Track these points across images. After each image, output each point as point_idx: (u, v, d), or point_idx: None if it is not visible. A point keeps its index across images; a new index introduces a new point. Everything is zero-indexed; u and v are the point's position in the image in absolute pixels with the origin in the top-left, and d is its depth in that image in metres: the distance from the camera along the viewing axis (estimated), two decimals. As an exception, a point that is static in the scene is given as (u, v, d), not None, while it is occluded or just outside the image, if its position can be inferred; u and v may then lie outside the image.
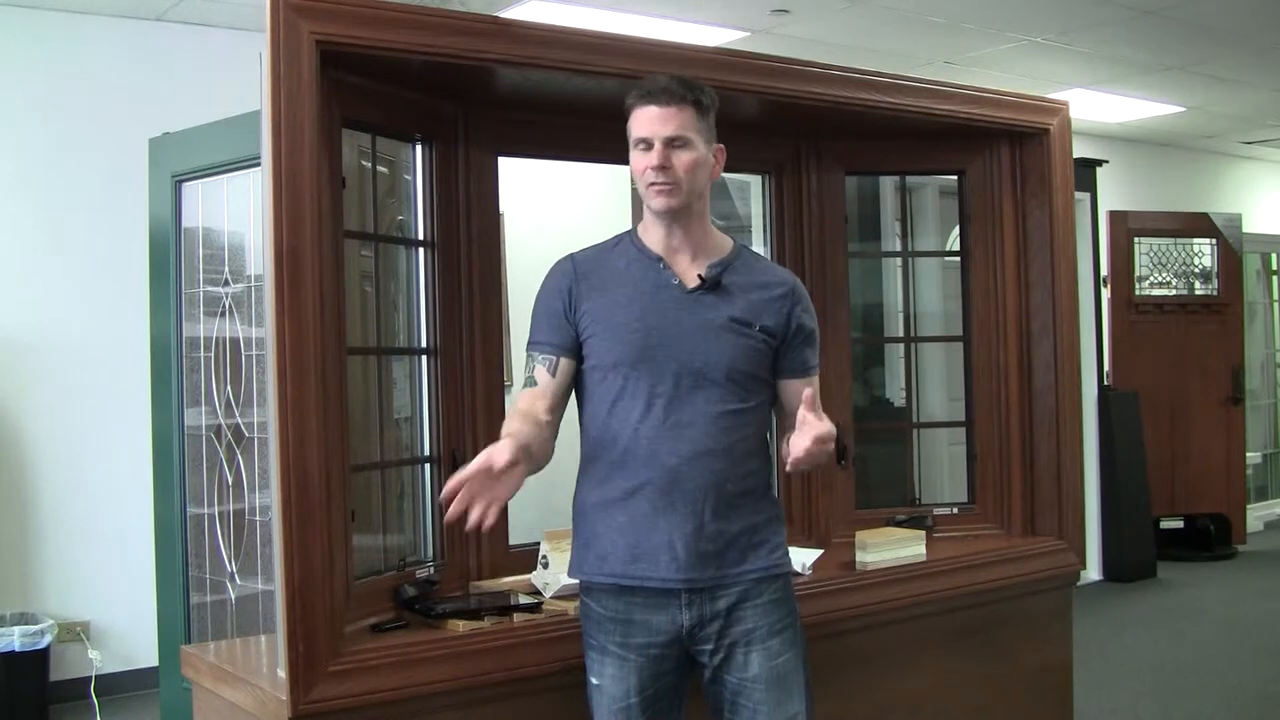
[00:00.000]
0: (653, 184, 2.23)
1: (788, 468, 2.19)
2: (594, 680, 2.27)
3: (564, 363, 2.28)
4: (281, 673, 2.19)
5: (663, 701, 2.26)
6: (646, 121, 2.22)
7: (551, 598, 2.59)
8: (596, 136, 2.97)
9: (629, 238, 2.35)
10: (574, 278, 2.31)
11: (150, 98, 5.17)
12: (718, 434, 2.22)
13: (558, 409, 2.29)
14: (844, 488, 3.34)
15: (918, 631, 3.00)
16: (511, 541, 2.83)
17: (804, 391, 2.20)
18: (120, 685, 5.07)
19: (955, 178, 3.50)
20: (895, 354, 4.51)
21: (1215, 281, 8.10)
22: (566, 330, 2.28)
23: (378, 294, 2.79)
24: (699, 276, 2.27)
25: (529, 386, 2.28)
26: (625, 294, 2.27)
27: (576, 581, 2.56)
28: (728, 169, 3.77)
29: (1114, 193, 8.03)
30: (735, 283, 2.29)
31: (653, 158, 2.21)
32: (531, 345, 2.31)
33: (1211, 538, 7.93)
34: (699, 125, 2.24)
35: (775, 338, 2.30)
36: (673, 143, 2.21)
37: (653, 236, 2.31)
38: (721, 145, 2.33)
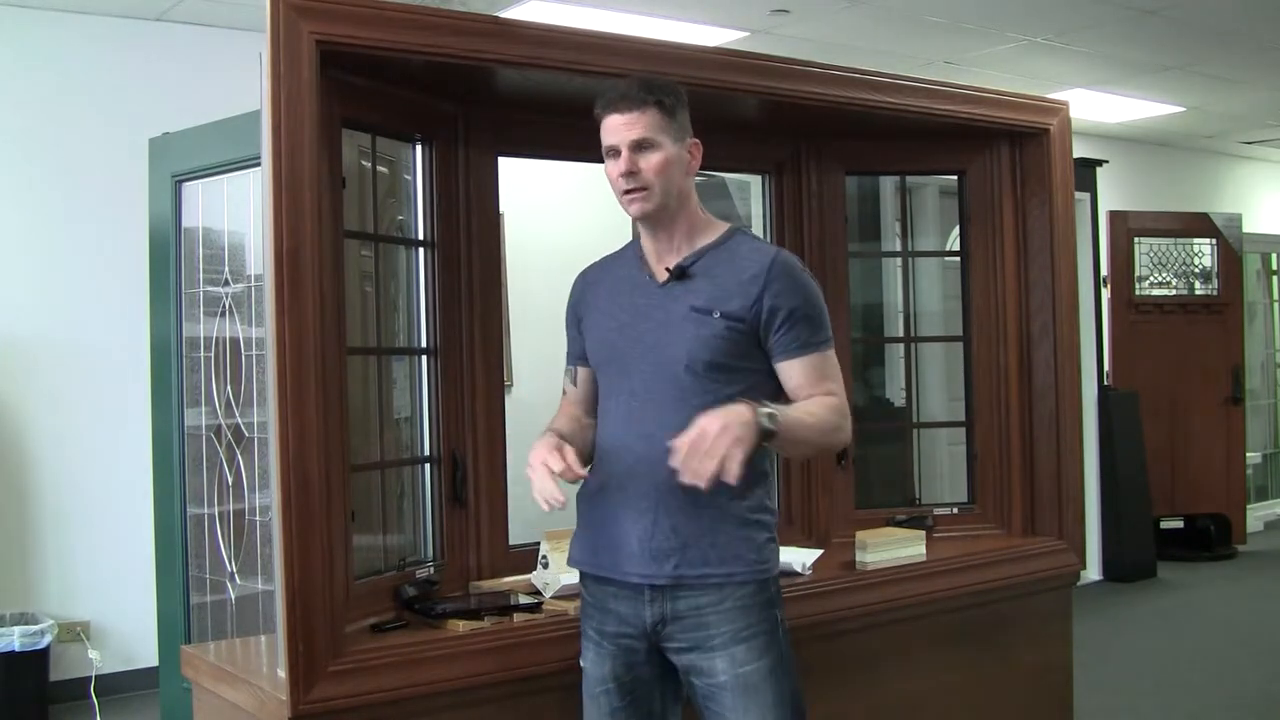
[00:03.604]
0: (626, 191, 2.24)
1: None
2: (581, 662, 2.33)
3: (583, 371, 2.44)
4: (281, 673, 2.19)
5: (640, 691, 2.27)
6: (612, 129, 2.24)
7: (551, 598, 2.59)
8: (597, 136, 2.97)
9: (633, 243, 2.40)
10: (580, 291, 2.45)
11: (150, 98, 5.18)
12: (677, 429, 2.15)
13: (593, 410, 2.41)
14: (844, 488, 3.34)
15: (918, 631, 3.00)
16: (511, 541, 2.83)
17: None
18: (120, 685, 5.07)
19: (955, 178, 3.50)
20: (895, 354, 4.51)
21: (1215, 281, 8.10)
22: (580, 341, 2.43)
23: (378, 294, 2.79)
24: (666, 270, 2.29)
25: (565, 395, 2.49)
26: (612, 298, 2.36)
27: (576, 581, 2.58)
28: (728, 169, 3.79)
29: (1114, 193, 8.03)
30: (708, 270, 2.26)
31: (621, 164, 2.23)
32: (566, 357, 2.49)
33: (1211, 538, 7.93)
34: (665, 125, 2.23)
35: (743, 322, 2.21)
36: (639, 146, 2.22)
37: (644, 239, 2.35)
38: (697, 140, 2.29)
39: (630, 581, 2.23)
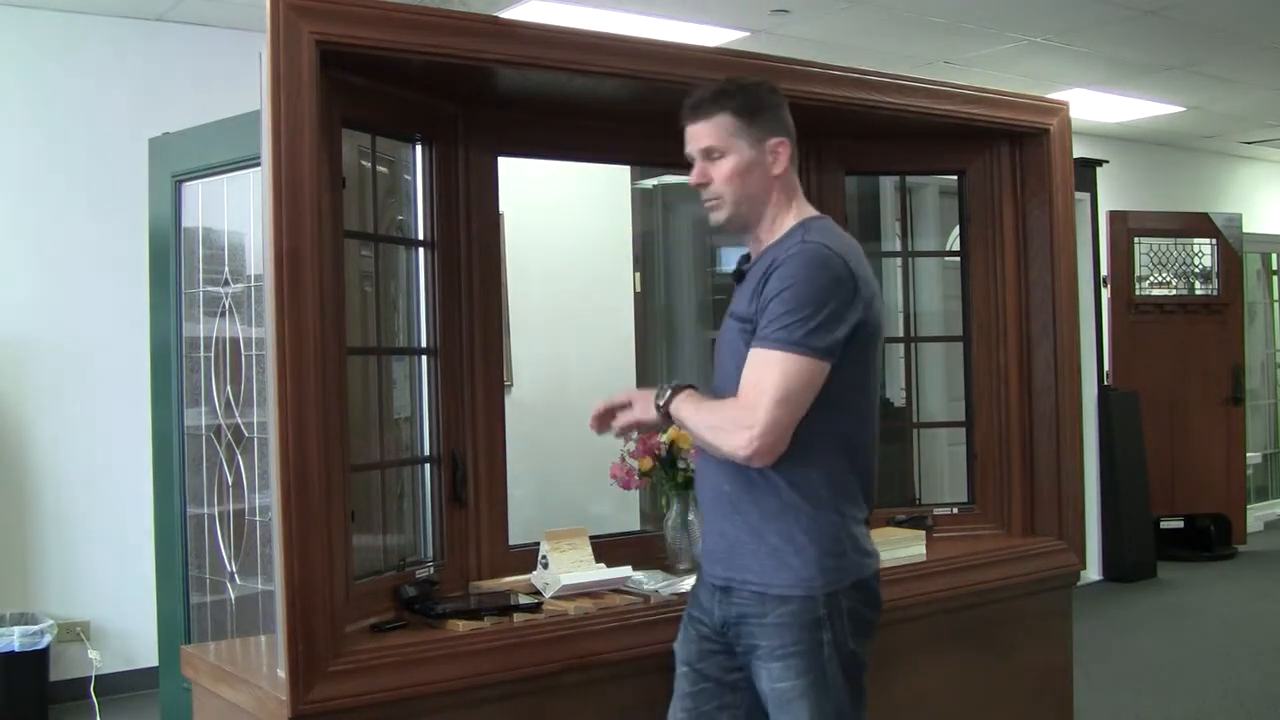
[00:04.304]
0: (703, 200, 2.27)
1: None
2: (674, 644, 2.37)
3: None
4: (281, 673, 2.19)
5: (710, 684, 2.28)
6: (689, 138, 2.26)
7: (551, 598, 2.59)
8: (596, 136, 2.98)
9: None
10: None
11: (150, 98, 5.18)
12: None
13: None
14: (844, 488, 3.33)
15: (918, 631, 2.99)
16: (511, 541, 2.83)
17: None
18: (120, 685, 5.07)
19: (955, 178, 3.50)
20: (895, 354, 4.51)
21: (1215, 281, 8.10)
22: None
23: (378, 294, 2.79)
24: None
25: None
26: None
27: (576, 581, 2.58)
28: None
29: (1114, 193, 8.03)
30: (754, 271, 2.23)
31: (693, 174, 2.25)
32: None
33: (1211, 538, 7.93)
34: (737, 130, 2.21)
35: (750, 322, 2.16)
36: (708, 155, 2.23)
37: None
38: (783, 139, 2.25)
39: (707, 579, 2.30)
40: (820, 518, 2.16)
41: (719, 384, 2.28)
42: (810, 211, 2.30)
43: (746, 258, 2.34)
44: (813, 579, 2.15)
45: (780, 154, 2.25)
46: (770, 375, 2.08)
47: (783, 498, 2.16)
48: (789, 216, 2.27)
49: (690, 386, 2.24)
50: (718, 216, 2.26)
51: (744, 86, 2.25)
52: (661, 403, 2.23)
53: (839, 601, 2.17)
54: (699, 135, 2.23)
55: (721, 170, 2.22)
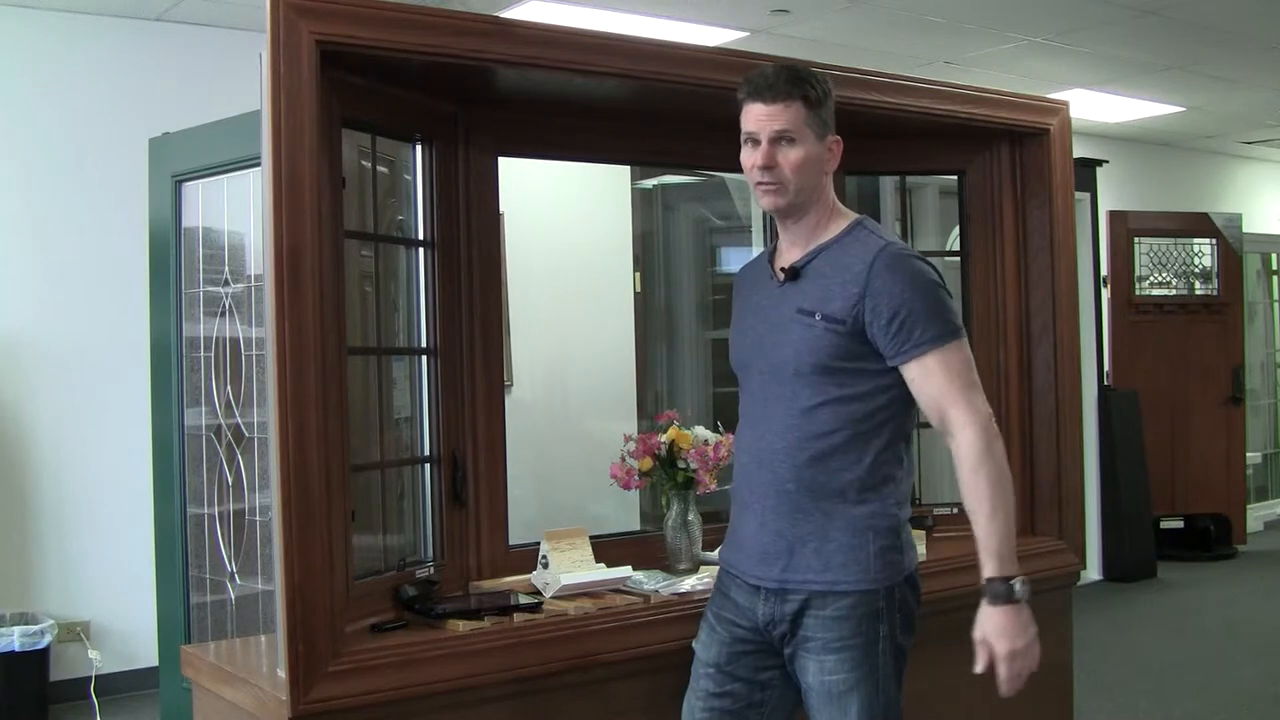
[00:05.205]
0: (759, 183, 2.23)
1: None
2: (694, 644, 2.35)
3: None
4: (281, 673, 2.19)
5: (739, 685, 2.27)
6: (754, 118, 2.22)
7: (551, 598, 2.59)
8: (596, 136, 2.98)
9: (776, 238, 2.40)
10: (735, 291, 2.45)
11: (150, 98, 5.18)
12: (784, 432, 2.21)
13: None
14: (844, 488, 3.33)
15: (917, 631, 2.99)
16: (511, 541, 2.83)
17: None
18: (120, 685, 5.07)
19: (955, 178, 3.50)
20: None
21: (1215, 281, 8.11)
22: None
23: (378, 294, 2.79)
24: (781, 269, 2.28)
25: None
26: (746, 298, 2.39)
27: (576, 581, 2.58)
28: (728, 169, 3.77)
29: (1114, 193, 8.03)
30: (819, 270, 2.23)
31: (758, 156, 2.21)
32: None
33: (1211, 538, 7.93)
34: (809, 120, 2.20)
35: (844, 324, 2.16)
36: (779, 140, 2.20)
37: (780, 233, 2.34)
38: (838, 137, 2.27)
39: (746, 580, 2.26)
40: (883, 513, 2.21)
41: (763, 375, 2.27)
42: (850, 211, 2.33)
43: (775, 250, 2.34)
44: (874, 573, 2.20)
45: (835, 151, 2.27)
46: (961, 367, 2.18)
47: (849, 495, 2.19)
48: (836, 214, 2.29)
49: (997, 575, 2.16)
50: (777, 200, 2.23)
51: (815, 77, 2.24)
52: (1025, 588, 2.15)
53: (894, 595, 2.23)
54: (774, 117, 2.19)
55: (790, 157, 2.20)
